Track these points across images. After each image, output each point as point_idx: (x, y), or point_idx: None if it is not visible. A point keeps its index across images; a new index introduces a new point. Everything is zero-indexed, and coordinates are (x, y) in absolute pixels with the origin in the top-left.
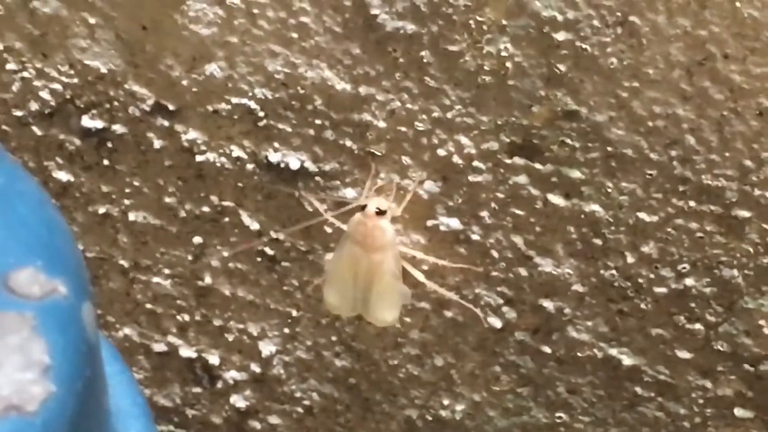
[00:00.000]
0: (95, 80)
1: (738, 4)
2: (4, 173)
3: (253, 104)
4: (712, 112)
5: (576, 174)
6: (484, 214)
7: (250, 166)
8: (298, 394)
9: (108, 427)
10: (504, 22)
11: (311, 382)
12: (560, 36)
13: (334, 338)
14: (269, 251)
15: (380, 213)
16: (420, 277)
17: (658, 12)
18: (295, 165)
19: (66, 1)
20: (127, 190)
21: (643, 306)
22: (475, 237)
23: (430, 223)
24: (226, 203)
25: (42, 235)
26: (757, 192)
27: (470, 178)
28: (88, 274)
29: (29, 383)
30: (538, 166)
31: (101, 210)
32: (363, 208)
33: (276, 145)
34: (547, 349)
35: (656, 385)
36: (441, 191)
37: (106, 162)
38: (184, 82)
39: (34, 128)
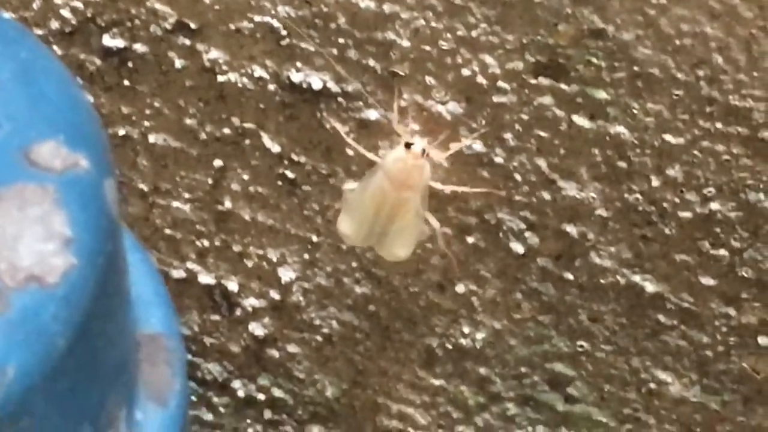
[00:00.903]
0: None
1: None
2: (28, 49)
3: (275, 23)
4: (741, 30)
5: (601, 95)
6: (508, 136)
7: (271, 87)
8: (317, 322)
9: (129, 312)
10: None
11: (331, 309)
12: None
13: (354, 264)
14: (290, 174)
15: (424, 153)
16: (435, 224)
17: None
18: (317, 85)
19: None
20: (147, 112)
21: (667, 231)
22: (498, 160)
23: (453, 144)
24: (247, 125)
25: (65, 111)
26: None
27: (494, 98)
28: (111, 152)
29: (50, 255)
30: (563, 86)
31: (121, 132)
32: (408, 145)
33: (298, 64)
34: (569, 276)
35: (679, 313)
36: (464, 112)
37: (126, 82)
38: (206, 0)
39: (55, 47)
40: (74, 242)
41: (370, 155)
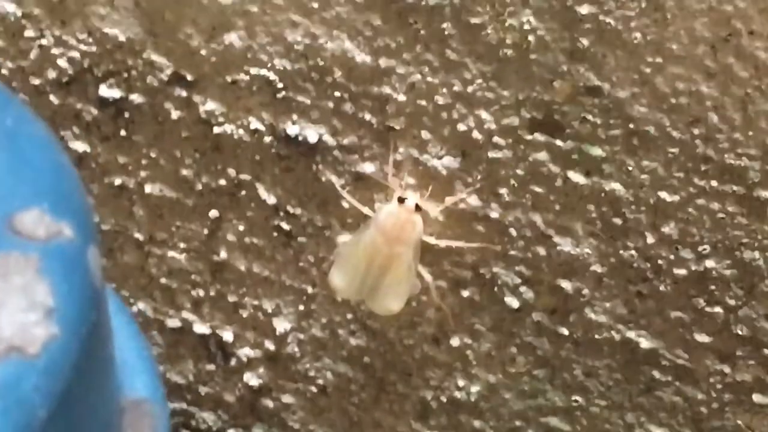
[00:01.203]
0: (114, 49)
1: None
2: (13, 116)
3: (272, 75)
4: (736, 89)
5: (597, 151)
6: (504, 191)
7: (267, 139)
8: (312, 373)
9: (113, 378)
10: None
11: (325, 360)
12: (584, 9)
13: (349, 316)
14: (285, 226)
15: (417, 208)
16: (428, 278)
17: None
18: (313, 138)
19: None
20: (143, 162)
21: (662, 288)
22: (493, 215)
23: (448, 199)
24: (243, 176)
25: (49, 178)
26: None
27: (490, 154)
28: (95, 220)
29: (32, 325)
30: (558, 142)
31: (117, 181)
32: (401, 200)
33: (294, 117)
34: (564, 331)
35: (674, 369)
36: (460, 167)
37: (123, 132)
38: (203, 52)
39: (52, 97)
40: (56, 312)
41: (365, 209)
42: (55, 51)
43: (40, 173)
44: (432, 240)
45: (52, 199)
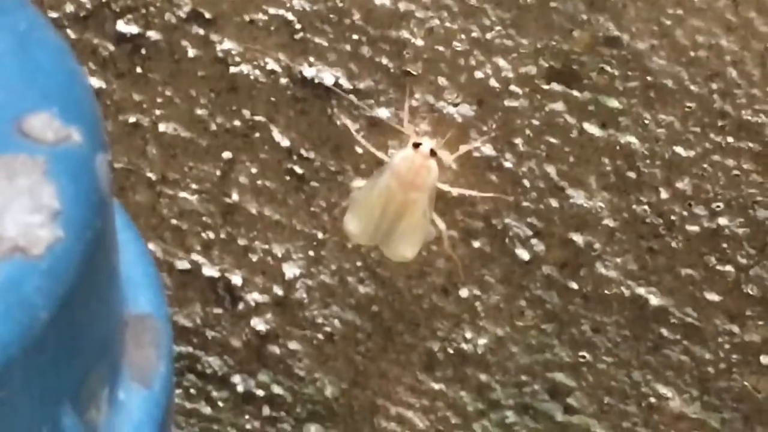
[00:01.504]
0: None
1: None
2: (26, 20)
3: (290, 16)
4: (756, 44)
5: (614, 103)
6: (518, 141)
7: (283, 80)
8: (319, 320)
9: (117, 290)
10: None
11: (333, 308)
12: None
13: (359, 263)
14: (298, 170)
15: (432, 154)
16: (442, 226)
17: None
18: (329, 81)
19: None
20: (158, 100)
21: (674, 244)
22: (507, 164)
23: (463, 147)
24: (257, 118)
25: (60, 83)
26: None
27: (506, 102)
28: (106, 128)
29: (36, 226)
30: (575, 93)
31: (131, 119)
32: (416, 145)
33: (311, 59)
34: (574, 285)
35: (683, 328)
36: (476, 115)
37: (139, 69)
38: None
39: (69, 31)
40: (62, 215)
41: (379, 154)
42: None
43: (51, 78)
44: (446, 187)
45: (62, 104)
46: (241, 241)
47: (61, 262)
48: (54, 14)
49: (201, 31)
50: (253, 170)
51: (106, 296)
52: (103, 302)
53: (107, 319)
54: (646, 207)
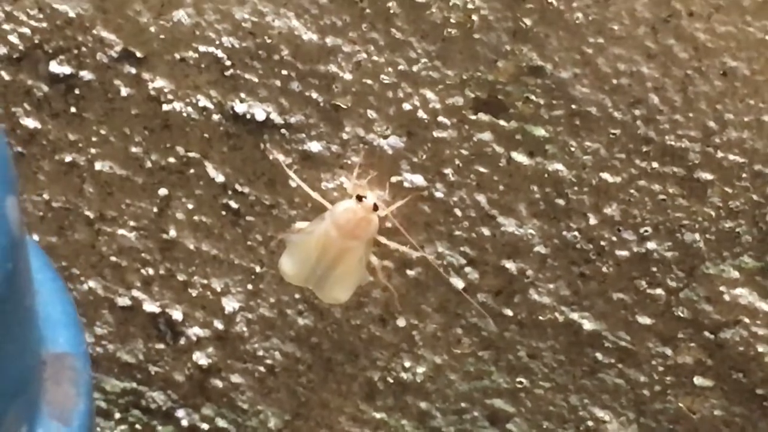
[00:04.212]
0: (64, 25)
1: None
2: None
3: (220, 53)
4: (677, 70)
5: (540, 132)
6: (448, 171)
7: (216, 117)
8: (260, 353)
9: (34, 330)
10: None
11: (274, 340)
12: None
13: (297, 296)
14: (234, 205)
15: (374, 208)
16: (375, 260)
17: None
18: (261, 116)
19: None
20: (93, 139)
21: (604, 269)
22: (438, 194)
23: (394, 179)
24: (192, 154)
25: None
26: (720, 154)
27: (435, 133)
28: (15, 171)
29: None
30: (502, 122)
31: (67, 158)
32: (359, 197)
33: (242, 95)
34: (508, 312)
35: (617, 352)
36: (405, 146)
37: (73, 109)
38: (152, 29)
39: (2, 73)
40: None
41: (314, 194)
42: (5, 27)
43: None
44: (383, 239)
45: None
46: (181, 277)
47: None
48: None
49: (133, 70)
50: (190, 206)
51: (21, 337)
52: (18, 342)
53: (23, 358)
54: (576, 233)
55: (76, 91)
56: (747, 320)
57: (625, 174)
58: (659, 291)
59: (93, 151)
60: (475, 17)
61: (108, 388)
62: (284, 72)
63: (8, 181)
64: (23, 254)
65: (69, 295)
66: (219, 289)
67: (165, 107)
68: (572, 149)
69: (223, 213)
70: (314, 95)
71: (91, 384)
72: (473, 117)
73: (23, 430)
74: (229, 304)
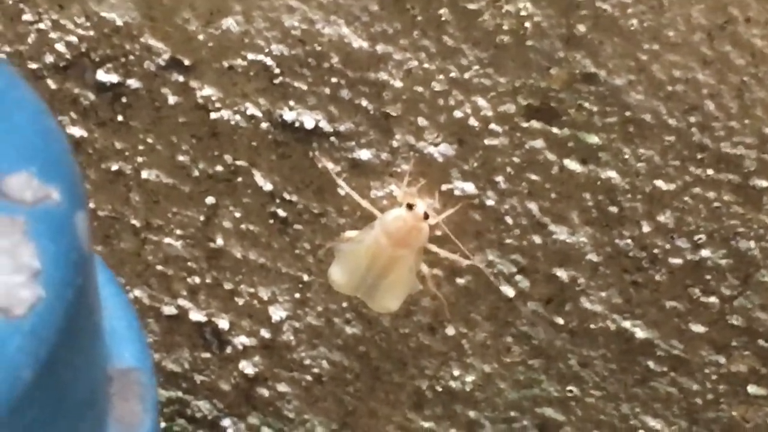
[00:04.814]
0: (111, 33)
1: None
2: (2, 79)
3: (269, 61)
4: (733, 77)
5: (593, 139)
6: (500, 178)
7: (264, 125)
8: (307, 362)
9: (101, 346)
10: None
11: (321, 349)
12: None
13: (344, 304)
14: (281, 213)
15: (425, 217)
16: (425, 269)
17: None
18: (310, 124)
19: None
20: (140, 147)
21: (657, 277)
22: (489, 202)
23: (444, 187)
24: (239, 162)
25: (37, 142)
26: None
27: (486, 141)
28: (84, 186)
29: (18, 286)
30: (555, 130)
31: (114, 167)
32: (410, 206)
33: (291, 103)
34: (559, 320)
35: (669, 360)
36: (456, 154)
37: (120, 118)
38: (201, 37)
39: (49, 81)
40: (42, 275)
41: (364, 202)
42: (52, 35)
43: (28, 137)
44: (434, 248)
45: (40, 163)
46: (227, 285)
47: (44, 321)
48: (34, 65)
49: (181, 78)
50: (237, 214)
51: (90, 352)
52: (88, 359)
53: (92, 375)
54: (628, 241)
55: (123, 100)
56: None
57: (680, 181)
58: (713, 299)
59: (140, 159)
60: (528, 24)
61: None
62: (334, 80)
63: (78, 197)
64: (92, 269)
65: (133, 310)
66: (266, 298)
67: (213, 115)
68: (626, 156)
69: (271, 221)
70: (364, 103)
71: (157, 399)
72: (525, 124)
73: None
74: (276, 313)
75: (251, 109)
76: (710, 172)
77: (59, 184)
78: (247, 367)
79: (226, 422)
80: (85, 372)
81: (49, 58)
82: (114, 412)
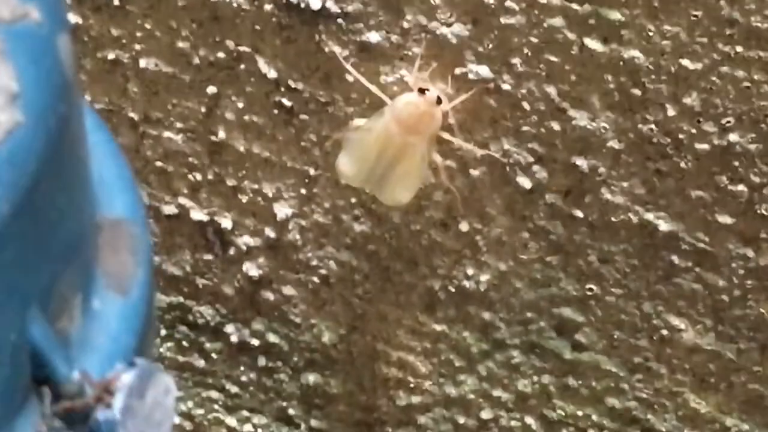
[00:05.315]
0: None
1: None
2: None
3: None
4: None
5: (615, 15)
6: (516, 60)
7: (268, 7)
8: (314, 262)
9: (87, 188)
10: None
11: (328, 248)
12: None
13: (353, 200)
14: (286, 102)
15: (438, 102)
16: (437, 159)
17: None
18: (316, 5)
19: None
20: (138, 34)
21: (682, 165)
22: (505, 87)
23: (458, 70)
24: (242, 48)
25: None
26: None
27: (502, 20)
28: (66, 5)
29: None
30: (575, 6)
31: (111, 56)
32: (422, 91)
33: None
34: (579, 213)
35: (694, 254)
36: (470, 35)
37: (116, 2)
38: None
39: None
40: (21, 98)
41: (373, 87)
42: None
43: None
44: (446, 135)
45: None
46: (230, 182)
47: (22, 148)
48: None
49: None
50: (240, 105)
51: (75, 193)
52: (72, 199)
53: (77, 218)
54: (652, 126)
55: None
56: None
57: (707, 60)
58: (741, 187)
59: (137, 47)
60: None
61: None
62: None
63: (61, 19)
64: (76, 99)
65: (124, 158)
66: (270, 195)
67: None
68: (650, 34)
69: (276, 112)
70: None
71: (151, 251)
72: (543, 1)
73: (77, 300)
74: (282, 211)
75: None
76: (739, 49)
77: (39, 2)
78: (251, 269)
79: (229, 328)
80: (70, 214)
81: None
82: (103, 264)
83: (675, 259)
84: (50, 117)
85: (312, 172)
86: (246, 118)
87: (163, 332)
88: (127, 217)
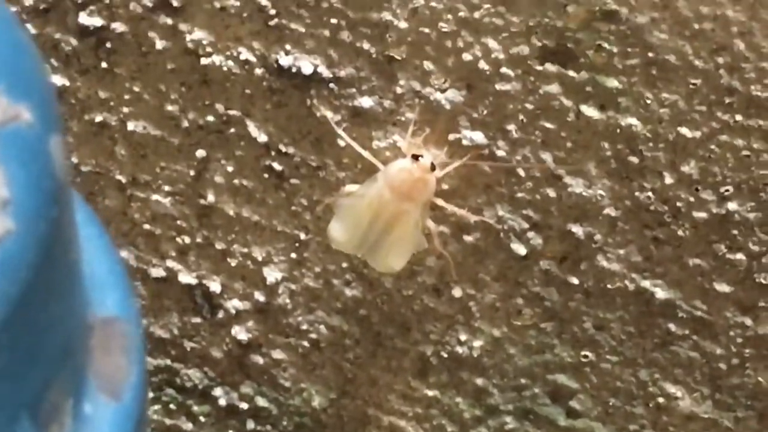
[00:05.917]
0: None
1: None
2: None
3: (263, 1)
4: (765, 13)
5: (613, 83)
6: (511, 127)
7: (258, 71)
8: (304, 327)
9: (79, 290)
10: None
11: (319, 313)
12: None
13: (344, 264)
14: (277, 166)
15: (432, 168)
16: (430, 225)
17: None
18: (307, 69)
19: None
20: (126, 97)
21: (680, 233)
22: (500, 153)
23: (452, 136)
24: (232, 112)
25: (5, 56)
26: None
27: (497, 86)
28: (59, 107)
29: None
30: (571, 73)
31: (98, 118)
32: (415, 157)
33: (288, 47)
34: (574, 280)
35: (691, 322)
36: (465, 101)
37: (104, 64)
38: None
39: (29, 26)
40: (12, 205)
41: (365, 153)
42: None
43: None
44: (440, 202)
45: (8, 79)
46: (219, 245)
47: (13, 257)
48: (13, 7)
49: (169, 21)
50: (229, 168)
51: (67, 296)
52: (64, 303)
53: (69, 322)
54: (649, 193)
55: (108, 45)
56: None
57: (706, 128)
58: (740, 256)
59: (125, 109)
60: None
61: None
62: (333, 21)
63: (53, 119)
64: (69, 201)
65: (116, 253)
66: (260, 258)
67: (203, 61)
68: (648, 102)
69: (266, 176)
70: (366, 46)
71: (144, 351)
72: (539, 68)
73: (68, 405)
74: (271, 275)
75: (245, 54)
76: (739, 117)
77: (30, 102)
78: (240, 333)
79: (217, 392)
80: (62, 318)
81: (29, 0)
82: (95, 366)
83: (672, 326)
84: (42, 223)
85: (303, 236)
86: (236, 181)
87: (151, 395)
88: (119, 315)
